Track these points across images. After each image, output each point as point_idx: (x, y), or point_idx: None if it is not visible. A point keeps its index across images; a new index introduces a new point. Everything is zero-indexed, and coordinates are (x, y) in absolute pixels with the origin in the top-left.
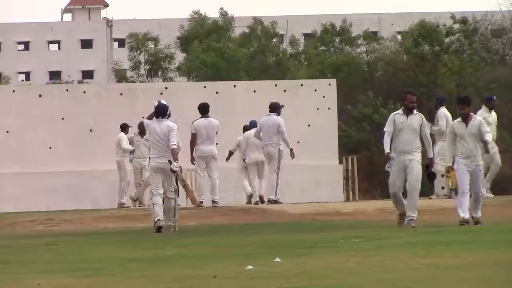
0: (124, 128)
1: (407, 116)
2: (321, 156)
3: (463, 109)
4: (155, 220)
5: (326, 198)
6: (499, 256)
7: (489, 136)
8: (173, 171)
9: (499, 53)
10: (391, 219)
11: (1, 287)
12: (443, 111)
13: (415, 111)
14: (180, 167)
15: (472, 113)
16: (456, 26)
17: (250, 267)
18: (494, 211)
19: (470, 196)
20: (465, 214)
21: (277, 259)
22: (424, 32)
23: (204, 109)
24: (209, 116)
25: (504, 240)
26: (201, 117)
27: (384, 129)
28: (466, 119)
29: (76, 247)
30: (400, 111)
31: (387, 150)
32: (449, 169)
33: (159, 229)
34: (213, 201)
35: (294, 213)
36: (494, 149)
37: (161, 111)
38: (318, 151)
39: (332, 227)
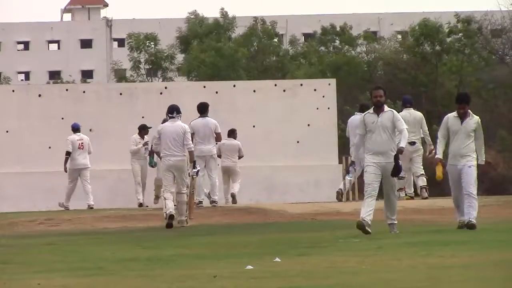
0: (140, 130)
1: (378, 115)
2: (321, 156)
3: (462, 108)
4: (168, 213)
5: (326, 198)
6: (499, 256)
7: (482, 144)
8: (193, 175)
9: (498, 53)
10: None
11: (1, 287)
12: (401, 114)
13: (386, 108)
14: (198, 170)
15: (470, 111)
16: (459, 25)
17: (250, 267)
18: (494, 211)
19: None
20: (462, 217)
21: (277, 259)
22: (427, 31)
23: (202, 109)
24: (207, 116)
25: (504, 240)
26: (199, 117)
27: (357, 131)
28: (463, 116)
29: (76, 247)
30: (371, 110)
31: (353, 157)
32: (438, 162)
33: (170, 223)
34: (213, 201)
35: (294, 213)
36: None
37: (175, 109)
38: (318, 151)
39: (332, 227)
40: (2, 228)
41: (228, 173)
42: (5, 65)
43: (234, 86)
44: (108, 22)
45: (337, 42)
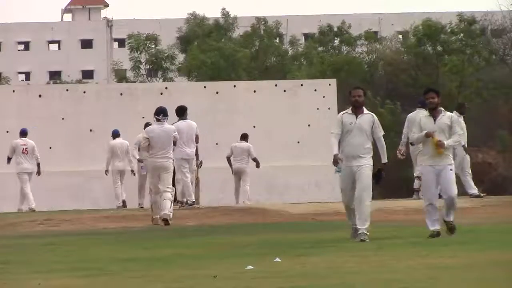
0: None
1: (357, 116)
2: (321, 156)
3: (432, 97)
4: (153, 217)
5: (326, 198)
6: (499, 256)
7: (456, 139)
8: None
9: (499, 53)
10: (391, 219)
11: (1, 287)
12: (411, 114)
13: (365, 110)
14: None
15: (441, 107)
16: (462, 25)
17: (250, 267)
18: (494, 211)
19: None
20: (434, 226)
21: (277, 259)
22: (430, 31)
23: (181, 112)
24: (187, 119)
25: (504, 240)
26: (179, 120)
27: (331, 131)
28: (434, 113)
29: (76, 247)
30: (349, 110)
31: (334, 151)
32: (429, 135)
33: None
34: (187, 202)
35: (294, 213)
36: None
37: (162, 111)
38: (318, 151)
39: (332, 227)
40: (2, 228)
41: (239, 175)
42: (5, 65)
43: (235, 86)
44: (109, 22)
45: (336, 42)
